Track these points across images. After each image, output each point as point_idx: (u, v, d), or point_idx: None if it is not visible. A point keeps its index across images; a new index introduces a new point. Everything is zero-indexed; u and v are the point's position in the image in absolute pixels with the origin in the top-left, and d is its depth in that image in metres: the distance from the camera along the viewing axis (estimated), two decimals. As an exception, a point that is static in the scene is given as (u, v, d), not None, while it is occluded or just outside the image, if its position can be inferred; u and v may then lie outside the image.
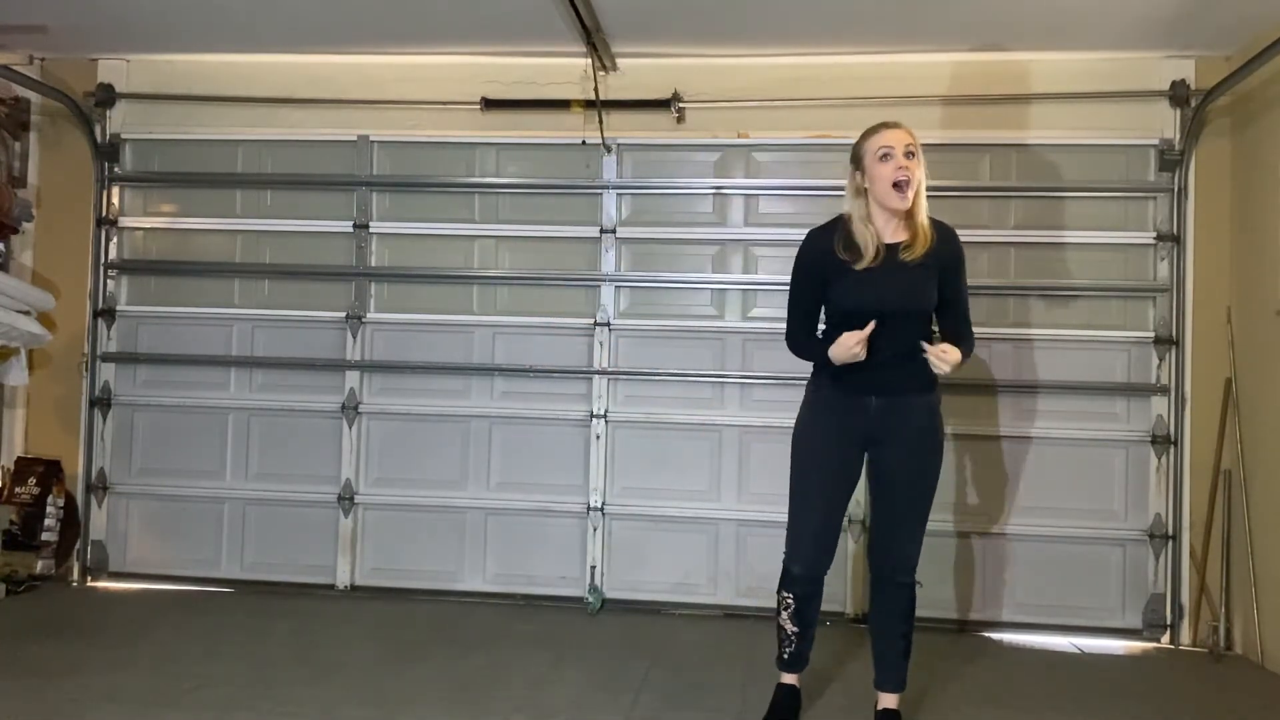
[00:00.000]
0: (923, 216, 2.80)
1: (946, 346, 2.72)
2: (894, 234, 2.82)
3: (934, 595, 4.34)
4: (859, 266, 2.76)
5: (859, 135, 2.88)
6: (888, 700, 2.93)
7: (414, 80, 4.69)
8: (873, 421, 2.82)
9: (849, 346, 2.70)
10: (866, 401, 2.81)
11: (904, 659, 2.91)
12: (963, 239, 4.29)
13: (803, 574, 2.93)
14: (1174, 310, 4.33)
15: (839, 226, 2.86)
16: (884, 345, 2.74)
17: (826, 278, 2.85)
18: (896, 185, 2.73)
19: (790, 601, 2.95)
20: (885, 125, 2.81)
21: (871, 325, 2.70)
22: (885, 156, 2.75)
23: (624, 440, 4.59)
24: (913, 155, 2.77)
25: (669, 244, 4.61)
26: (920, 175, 2.78)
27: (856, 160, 2.84)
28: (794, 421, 2.98)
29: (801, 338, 2.95)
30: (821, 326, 2.97)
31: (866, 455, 2.90)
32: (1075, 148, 4.40)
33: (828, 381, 2.87)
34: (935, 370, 2.73)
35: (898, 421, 2.82)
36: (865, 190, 2.81)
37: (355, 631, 4.04)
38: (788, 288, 2.98)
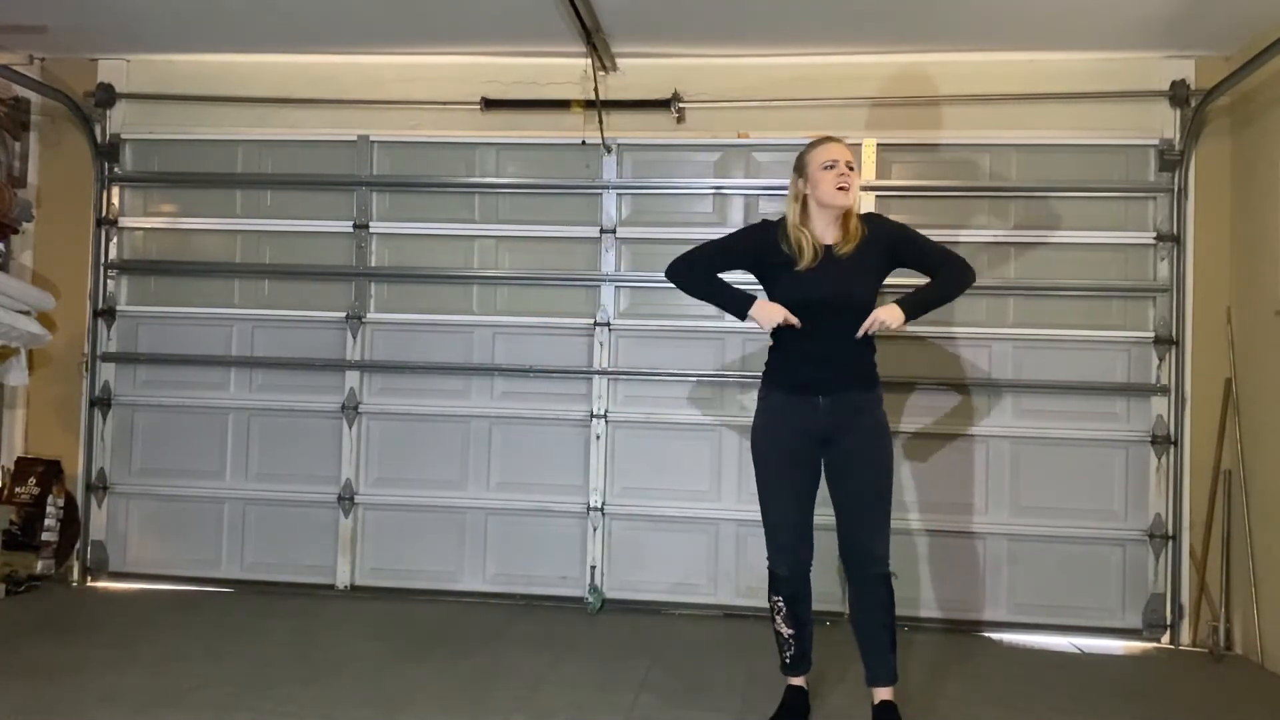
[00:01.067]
0: (854, 218, 3.02)
1: (874, 313, 2.90)
2: (830, 237, 3.01)
3: (933, 595, 4.36)
4: (799, 266, 2.96)
5: (808, 144, 3.05)
6: (882, 693, 2.96)
7: (414, 80, 4.69)
8: (822, 420, 2.95)
9: (778, 315, 2.92)
10: (815, 401, 2.95)
11: (890, 652, 2.95)
12: (962, 239, 4.40)
13: (788, 573, 3.01)
14: (1174, 310, 4.33)
15: (783, 225, 3.05)
16: (824, 340, 2.93)
17: (763, 262, 3.05)
18: (839, 190, 2.96)
19: (781, 604, 3.03)
20: (829, 139, 3.04)
21: (797, 323, 2.91)
22: (829, 167, 2.97)
23: (624, 440, 4.59)
24: (853, 168, 3.01)
25: (669, 244, 4.57)
26: (858, 185, 3.04)
27: (800, 169, 3.05)
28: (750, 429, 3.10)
29: (698, 265, 3.10)
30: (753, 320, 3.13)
31: (823, 457, 3.01)
32: (1075, 148, 4.41)
33: (777, 386, 3.03)
34: (885, 330, 2.91)
35: (846, 419, 2.95)
36: (804, 196, 3.02)
37: (355, 631, 4.04)
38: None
